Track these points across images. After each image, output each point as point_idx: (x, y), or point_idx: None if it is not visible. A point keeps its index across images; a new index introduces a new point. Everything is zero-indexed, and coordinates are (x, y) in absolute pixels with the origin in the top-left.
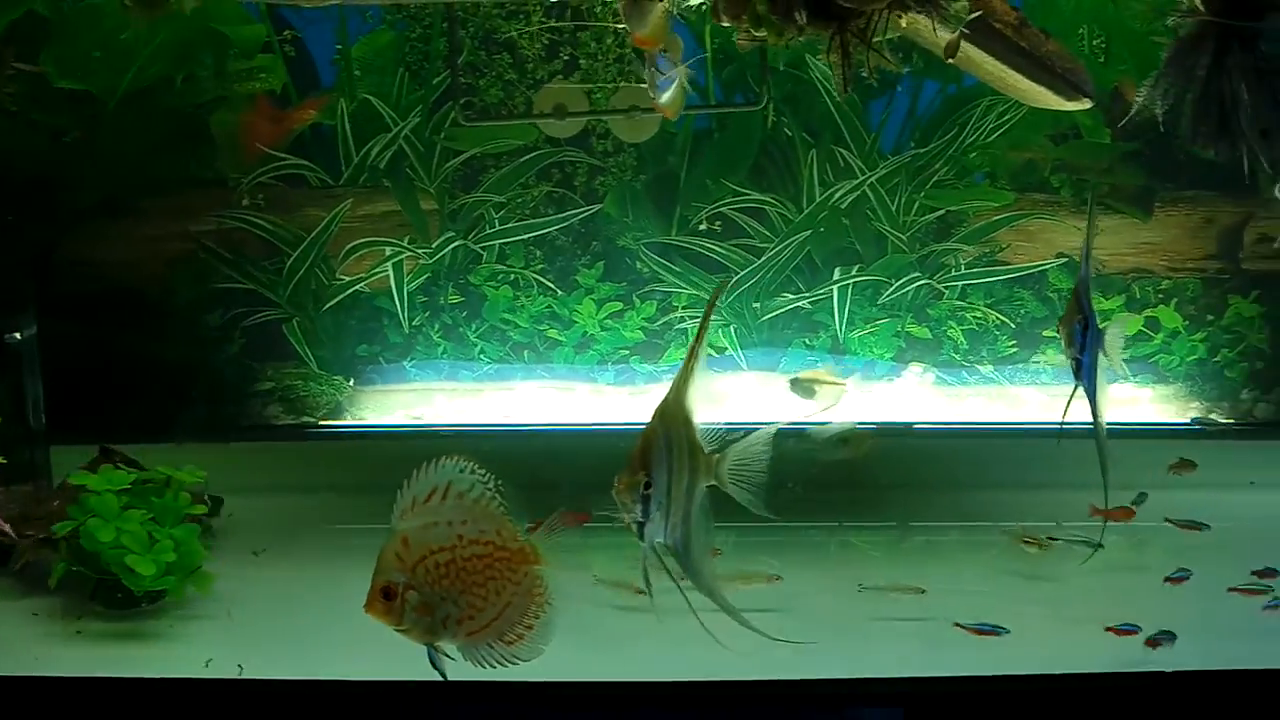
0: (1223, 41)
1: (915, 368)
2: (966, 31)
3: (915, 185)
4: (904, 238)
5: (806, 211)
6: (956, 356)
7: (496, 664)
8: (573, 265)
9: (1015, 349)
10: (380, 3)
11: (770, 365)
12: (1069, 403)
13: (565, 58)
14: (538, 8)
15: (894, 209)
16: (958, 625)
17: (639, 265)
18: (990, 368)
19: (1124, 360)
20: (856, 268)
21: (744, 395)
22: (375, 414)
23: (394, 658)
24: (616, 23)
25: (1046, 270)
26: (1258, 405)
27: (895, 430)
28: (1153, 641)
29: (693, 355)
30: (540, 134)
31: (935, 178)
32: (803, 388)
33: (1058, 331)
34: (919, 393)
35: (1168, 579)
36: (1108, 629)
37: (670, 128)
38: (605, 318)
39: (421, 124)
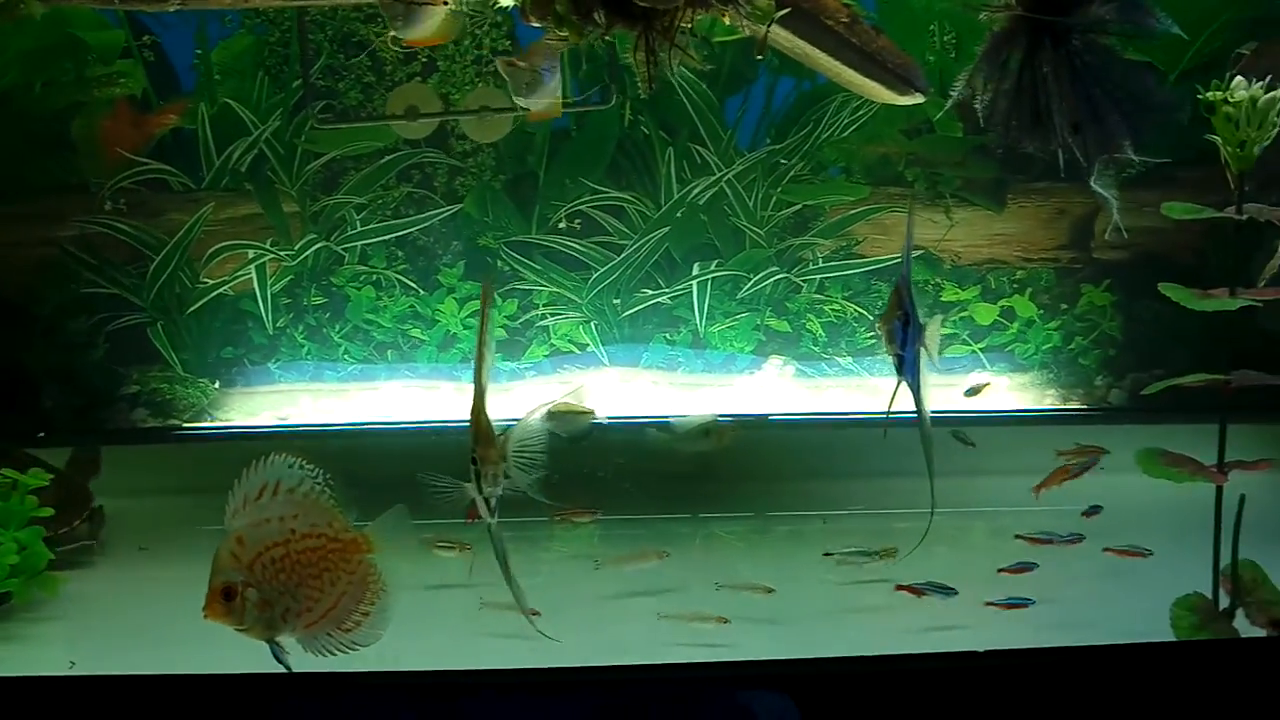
0: (1035, 36)
1: (775, 360)
2: (777, 26)
3: (772, 181)
4: (762, 233)
5: (665, 208)
6: (816, 349)
7: (336, 652)
8: (434, 265)
9: (873, 340)
10: (234, 7)
11: (632, 361)
12: (893, 397)
13: (424, 60)
14: None
15: (751, 205)
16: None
17: (500, 264)
18: (849, 359)
19: (979, 349)
20: (715, 263)
21: (607, 391)
22: (242, 416)
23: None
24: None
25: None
26: (1112, 391)
27: (753, 422)
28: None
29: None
30: (400, 136)
31: (791, 173)
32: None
33: (878, 329)
34: (779, 385)
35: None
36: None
37: (528, 128)
38: (467, 316)
39: (282, 127)
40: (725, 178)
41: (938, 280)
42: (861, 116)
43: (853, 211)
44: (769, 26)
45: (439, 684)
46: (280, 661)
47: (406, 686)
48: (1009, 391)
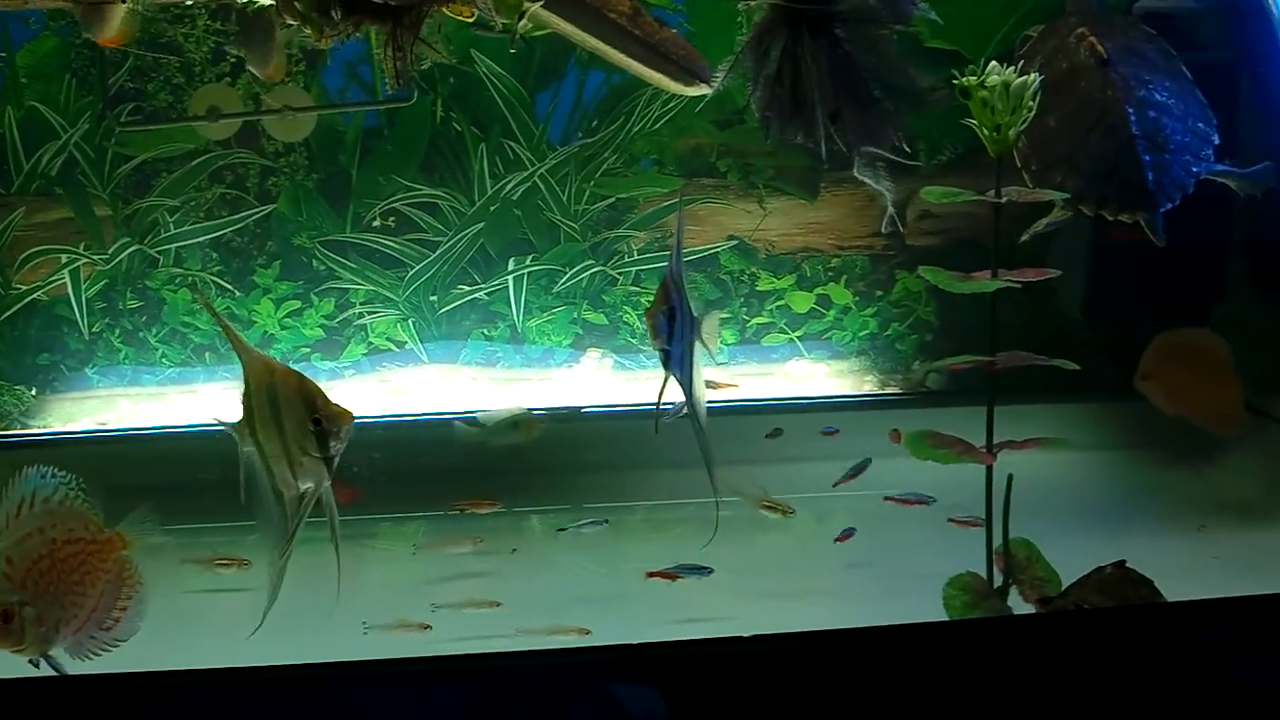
0: (795, 26)
1: (593, 353)
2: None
3: (585, 174)
4: (576, 226)
5: (479, 204)
6: (633, 341)
7: (101, 652)
8: (250, 266)
9: None
10: (39, 7)
11: (451, 358)
12: (661, 392)
13: (233, 60)
14: (202, 11)
15: (565, 199)
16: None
17: (315, 263)
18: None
19: (797, 338)
20: (531, 258)
21: (426, 388)
22: (60, 422)
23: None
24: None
25: (718, 252)
26: (929, 376)
27: (565, 415)
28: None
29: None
30: (209, 138)
31: (604, 166)
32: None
33: (645, 323)
34: (598, 377)
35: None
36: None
37: (340, 126)
38: (284, 316)
39: (91, 130)
40: (538, 172)
41: (753, 270)
42: (672, 109)
43: (666, 203)
44: (520, 19)
45: (297, 677)
46: (54, 668)
47: (268, 680)
48: (828, 378)
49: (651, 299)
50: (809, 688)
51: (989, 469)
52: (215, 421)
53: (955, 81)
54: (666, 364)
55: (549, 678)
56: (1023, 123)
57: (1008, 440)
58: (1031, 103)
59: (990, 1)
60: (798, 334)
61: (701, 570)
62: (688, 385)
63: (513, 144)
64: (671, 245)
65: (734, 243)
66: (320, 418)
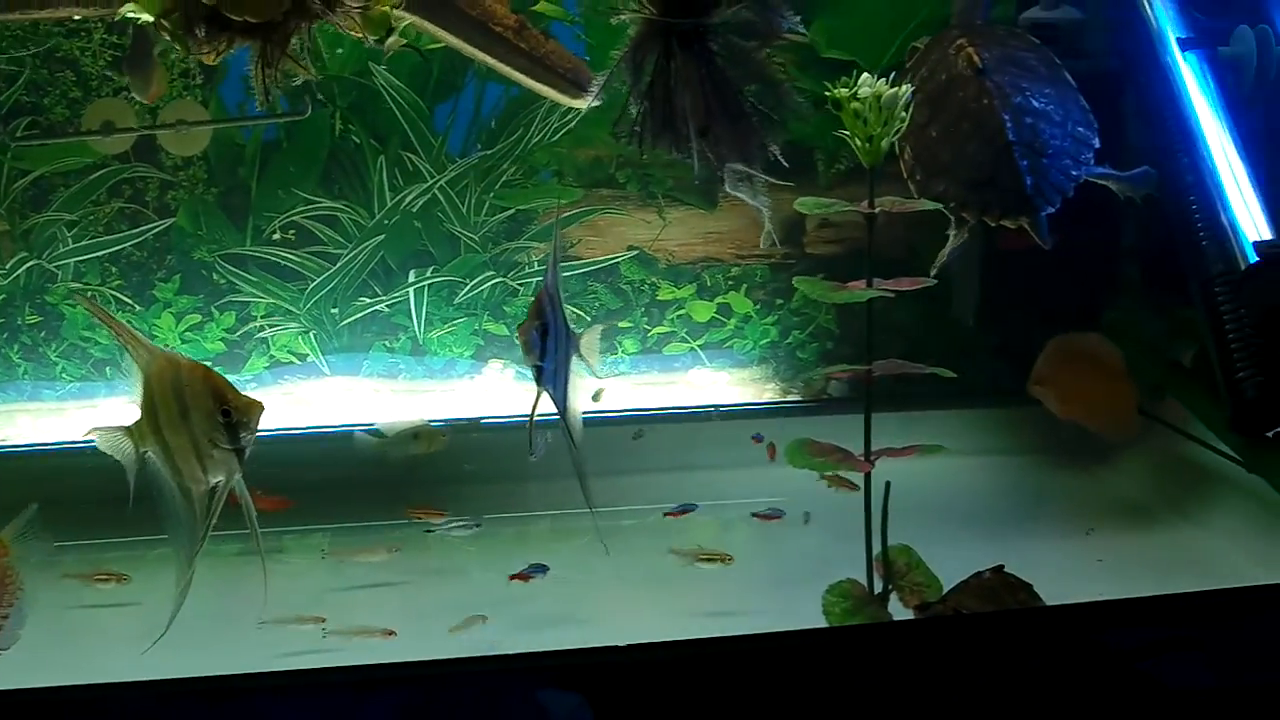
0: (668, 40)
1: (495, 364)
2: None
3: (485, 186)
4: (476, 238)
5: (378, 217)
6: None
7: None
8: (150, 280)
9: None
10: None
11: (353, 370)
12: (534, 406)
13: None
14: (99, 24)
15: (465, 210)
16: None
17: (216, 277)
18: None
19: (698, 346)
20: (431, 269)
21: (328, 400)
22: None
23: None
24: None
25: (619, 263)
26: (830, 383)
27: (466, 425)
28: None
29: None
30: (107, 152)
31: (504, 178)
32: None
33: (517, 339)
34: (501, 388)
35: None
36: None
37: (239, 139)
38: (185, 330)
39: None
40: (437, 184)
41: (654, 279)
42: (571, 121)
43: (567, 214)
44: (391, 36)
45: (223, 688)
46: None
47: (194, 691)
48: (730, 386)
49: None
50: (687, 695)
51: (867, 477)
52: (87, 435)
53: (827, 94)
54: (539, 380)
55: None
56: (895, 133)
57: (886, 448)
58: (903, 114)
59: (885, 13)
60: (699, 343)
61: (540, 569)
62: (561, 401)
63: (412, 156)
64: (549, 259)
65: (634, 253)
66: (230, 409)
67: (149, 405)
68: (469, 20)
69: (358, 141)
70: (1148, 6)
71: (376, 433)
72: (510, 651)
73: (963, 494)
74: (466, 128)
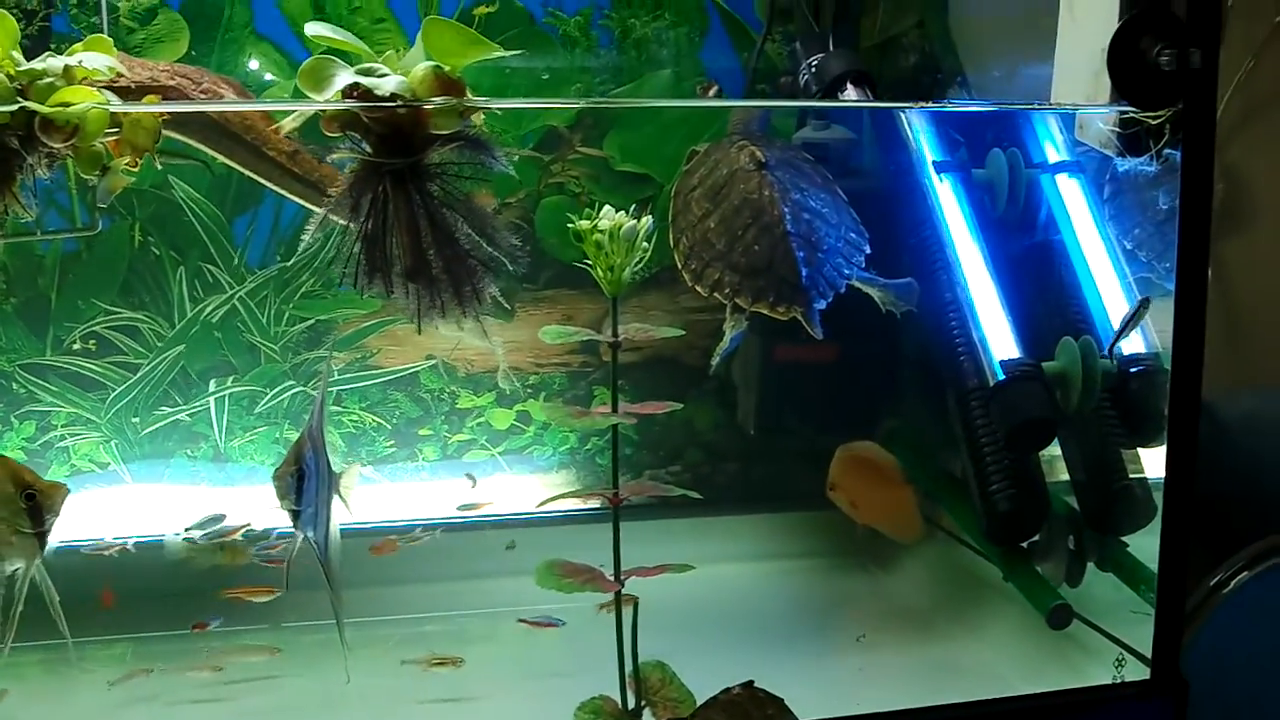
0: (382, 179)
1: None
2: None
3: (284, 297)
4: (276, 348)
5: (179, 327)
6: (335, 459)
7: None
8: None
9: (393, 448)
10: None
11: (156, 477)
12: (293, 551)
13: None
14: None
15: (265, 320)
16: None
17: (16, 386)
18: (370, 468)
19: (499, 454)
20: (232, 379)
21: (128, 507)
22: None
23: None
24: None
25: (418, 371)
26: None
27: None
28: None
29: None
30: None
31: (303, 289)
32: None
33: (274, 483)
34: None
35: None
36: None
37: (38, 250)
38: None
39: None
40: (236, 295)
41: (453, 388)
42: None
43: (366, 324)
44: (107, 175)
45: None
46: None
47: None
48: (529, 492)
49: (354, 418)
50: None
51: (617, 594)
52: None
53: (570, 225)
54: (296, 523)
55: None
56: (637, 263)
57: (637, 567)
58: (646, 244)
59: (675, 130)
60: (499, 450)
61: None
62: (321, 545)
63: (212, 268)
64: (315, 401)
65: (432, 362)
66: (34, 491)
67: None
68: (244, 143)
69: (158, 253)
70: (907, 128)
71: (188, 540)
72: None
73: (741, 600)
74: (266, 239)
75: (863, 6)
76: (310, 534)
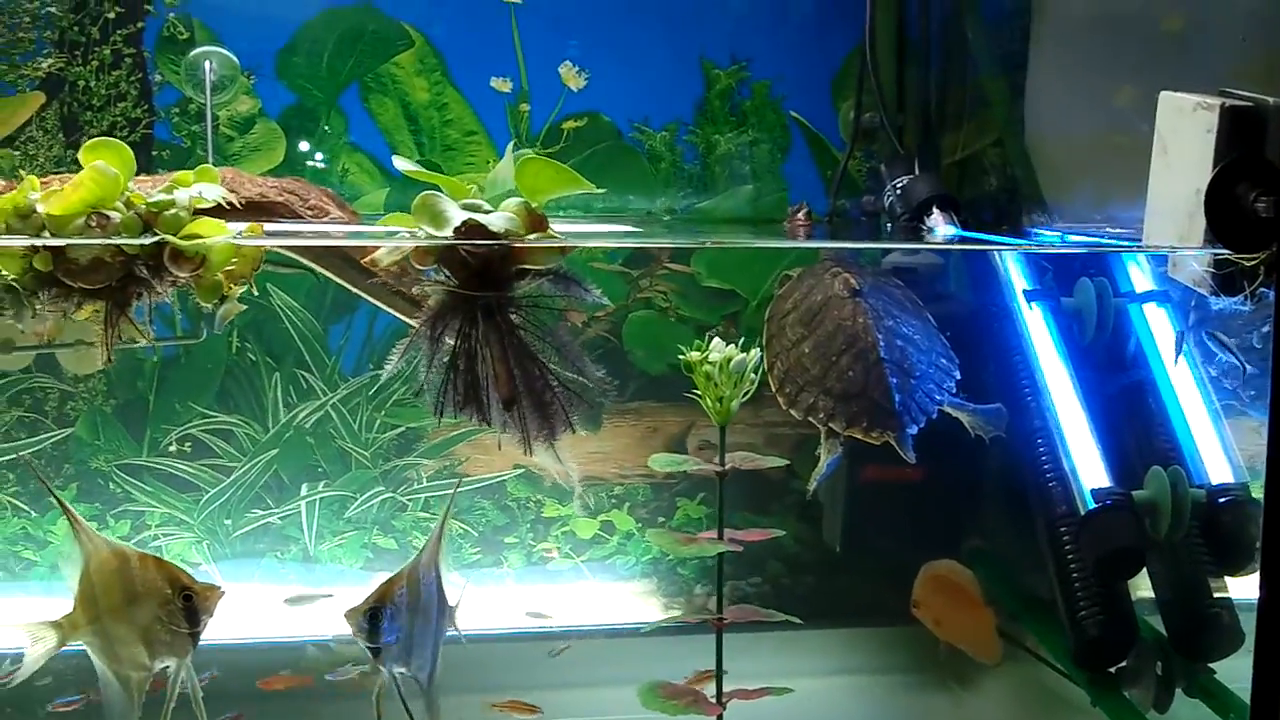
0: (469, 311)
1: (382, 577)
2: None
3: (375, 404)
4: (367, 454)
5: (272, 432)
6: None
7: None
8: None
9: (479, 555)
10: None
11: (246, 577)
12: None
13: None
14: None
15: (356, 427)
16: None
17: (113, 486)
18: (457, 573)
19: (582, 562)
20: (323, 484)
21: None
22: None
23: None
24: None
25: (505, 480)
26: (711, 599)
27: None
28: None
29: None
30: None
31: (395, 397)
32: None
33: (348, 620)
34: None
35: None
36: None
37: (140, 354)
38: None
39: None
40: (330, 402)
41: (539, 497)
42: None
43: (454, 433)
44: (226, 304)
45: None
46: None
47: None
48: (613, 603)
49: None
50: None
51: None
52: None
53: (680, 358)
54: (377, 660)
55: None
56: (745, 395)
57: (739, 689)
58: (753, 376)
59: (760, 252)
60: (583, 559)
61: None
62: (428, 675)
63: (306, 374)
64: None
65: (520, 471)
66: (192, 592)
67: (88, 595)
68: (354, 265)
69: (254, 359)
70: (996, 254)
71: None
72: None
73: (827, 714)
74: (360, 347)
75: (944, 127)
76: (399, 670)
